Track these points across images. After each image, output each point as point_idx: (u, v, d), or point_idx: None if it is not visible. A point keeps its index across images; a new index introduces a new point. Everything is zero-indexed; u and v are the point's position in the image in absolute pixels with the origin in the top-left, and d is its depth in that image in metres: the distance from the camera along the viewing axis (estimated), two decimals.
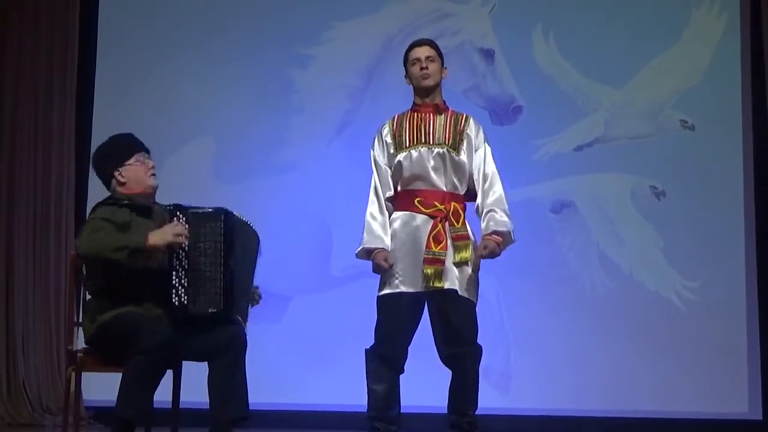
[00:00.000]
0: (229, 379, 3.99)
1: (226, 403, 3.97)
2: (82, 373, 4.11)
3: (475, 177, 4.28)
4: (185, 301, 3.98)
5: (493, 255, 4.19)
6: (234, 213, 4.15)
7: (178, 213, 4.05)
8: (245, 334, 4.10)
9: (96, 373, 4.11)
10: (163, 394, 4.29)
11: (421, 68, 4.28)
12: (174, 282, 3.99)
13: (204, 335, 4.03)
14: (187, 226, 4.02)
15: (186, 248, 4.01)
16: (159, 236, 3.93)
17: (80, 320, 4.19)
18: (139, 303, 3.99)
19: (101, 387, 4.02)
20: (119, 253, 3.88)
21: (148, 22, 6.43)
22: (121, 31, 6.41)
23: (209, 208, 4.10)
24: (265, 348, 5.90)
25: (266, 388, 5.80)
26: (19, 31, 6.29)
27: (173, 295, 3.98)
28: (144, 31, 6.41)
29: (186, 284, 4.00)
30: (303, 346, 6.01)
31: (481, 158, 4.28)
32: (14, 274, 6.10)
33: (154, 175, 4.20)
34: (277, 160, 6.27)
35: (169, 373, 4.24)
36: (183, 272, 4.01)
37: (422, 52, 4.32)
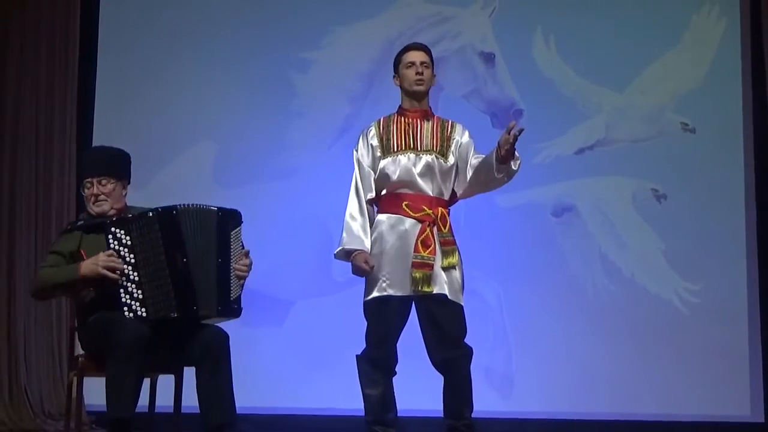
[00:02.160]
0: (210, 385, 3.99)
1: (209, 411, 3.98)
2: (84, 378, 4.12)
3: (463, 168, 4.26)
4: (142, 313, 3.97)
5: (509, 144, 4.03)
6: (181, 206, 4.05)
7: (113, 229, 4.02)
8: (224, 337, 4.05)
9: (97, 378, 4.10)
10: (164, 399, 4.31)
11: (417, 73, 4.28)
12: (124, 299, 3.97)
13: (182, 342, 4.03)
14: (129, 239, 4.01)
15: (132, 261, 4.00)
16: (91, 267, 3.98)
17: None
18: (113, 309, 4.02)
19: (103, 392, 4.01)
20: (59, 289, 4.12)
21: (148, 25, 6.42)
22: (122, 34, 6.41)
23: (150, 211, 4.05)
24: (267, 352, 5.94)
25: (268, 391, 5.86)
26: (20, 32, 6.29)
27: (125, 311, 3.96)
28: (145, 34, 6.41)
29: (140, 296, 3.98)
30: (305, 350, 6.00)
31: (467, 151, 4.27)
32: (16, 278, 6.09)
33: (97, 202, 4.17)
34: (278, 165, 6.27)
35: (171, 378, 4.26)
36: (133, 285, 3.98)
37: (418, 56, 4.31)
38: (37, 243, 6.16)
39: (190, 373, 4.16)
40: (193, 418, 4.16)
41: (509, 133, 4.03)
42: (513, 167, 4.14)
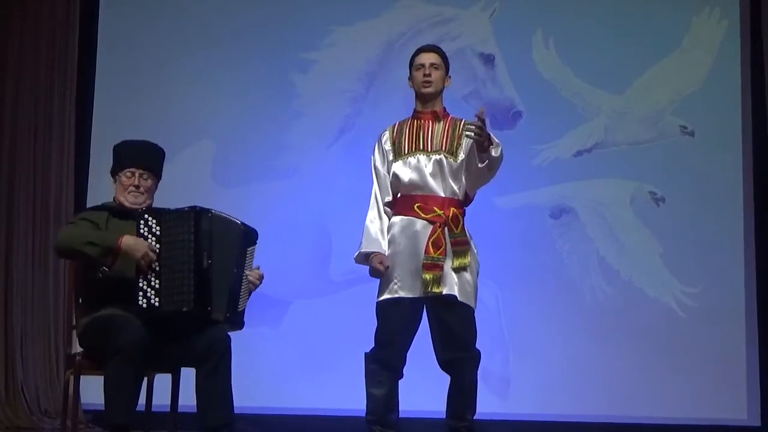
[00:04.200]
0: (210, 385, 4.00)
1: (208, 411, 3.99)
2: (81, 376, 4.12)
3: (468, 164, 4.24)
4: (155, 303, 3.98)
5: (480, 131, 3.99)
6: (214, 211, 4.14)
7: (146, 216, 4.06)
8: (227, 338, 4.08)
9: (94, 376, 4.11)
10: (162, 398, 4.31)
11: (424, 75, 4.28)
12: (141, 285, 3.99)
13: (185, 341, 4.04)
14: (158, 229, 4.05)
15: (157, 251, 4.02)
16: (132, 244, 3.97)
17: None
18: (116, 306, 4.02)
19: (99, 391, 4.02)
20: (90, 248, 3.99)
21: (149, 25, 6.42)
22: (122, 33, 6.41)
23: (185, 207, 4.10)
24: (265, 352, 5.94)
25: (266, 392, 5.86)
26: (20, 31, 6.28)
27: (140, 298, 3.98)
28: (145, 34, 6.41)
29: (156, 285, 3.99)
30: (302, 351, 6.01)
31: (472, 146, 4.21)
32: (13, 276, 6.09)
33: (135, 192, 4.20)
34: (277, 164, 6.27)
35: (168, 377, 4.26)
36: (153, 274, 4.00)
37: (427, 58, 4.32)
38: (35, 242, 6.15)
39: (186, 373, 4.17)
40: (190, 417, 4.16)
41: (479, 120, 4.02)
42: (494, 154, 4.10)
